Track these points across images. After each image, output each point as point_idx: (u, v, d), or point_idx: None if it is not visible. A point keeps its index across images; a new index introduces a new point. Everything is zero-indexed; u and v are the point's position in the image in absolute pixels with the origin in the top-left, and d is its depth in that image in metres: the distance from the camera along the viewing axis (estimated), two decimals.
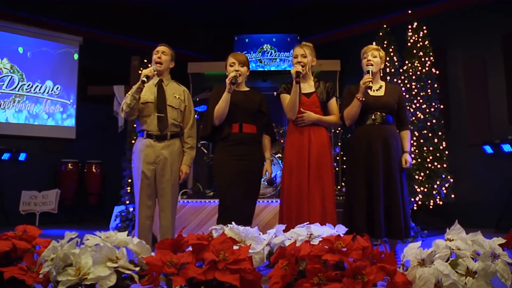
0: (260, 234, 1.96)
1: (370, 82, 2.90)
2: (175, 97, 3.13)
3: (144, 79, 2.90)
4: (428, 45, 5.68)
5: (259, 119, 3.12)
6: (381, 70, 3.17)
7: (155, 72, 3.04)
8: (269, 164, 3.10)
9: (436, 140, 5.37)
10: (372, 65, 3.02)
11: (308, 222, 2.10)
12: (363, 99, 2.95)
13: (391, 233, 2.92)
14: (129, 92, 2.99)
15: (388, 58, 5.69)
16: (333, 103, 3.13)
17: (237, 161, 2.97)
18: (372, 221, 2.90)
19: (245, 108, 3.04)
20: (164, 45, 3.19)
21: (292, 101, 2.99)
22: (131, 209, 5.20)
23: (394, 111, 3.07)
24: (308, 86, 3.13)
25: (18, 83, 6.80)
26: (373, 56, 3.05)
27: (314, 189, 2.95)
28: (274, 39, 7.19)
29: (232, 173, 2.95)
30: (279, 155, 5.27)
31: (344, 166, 6.95)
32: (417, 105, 5.45)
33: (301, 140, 3.03)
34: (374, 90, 3.04)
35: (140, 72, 5.62)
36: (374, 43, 5.76)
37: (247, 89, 3.18)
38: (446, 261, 1.61)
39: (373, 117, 3.02)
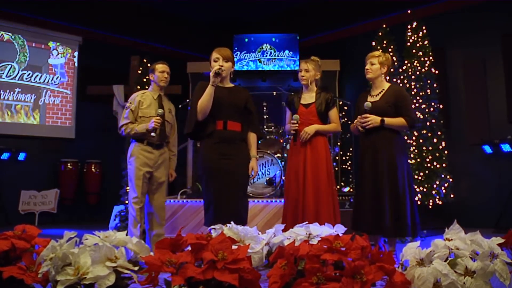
0: (259, 234, 1.96)
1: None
2: (169, 112, 3.70)
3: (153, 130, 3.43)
4: (427, 45, 5.67)
5: (245, 116, 3.07)
6: (382, 75, 3.21)
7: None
8: (255, 162, 3.05)
9: (435, 140, 5.37)
10: (369, 104, 3.09)
11: (307, 222, 2.11)
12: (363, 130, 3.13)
13: (380, 230, 3.04)
14: (138, 128, 3.51)
15: None
16: (333, 112, 3.34)
17: (222, 160, 2.92)
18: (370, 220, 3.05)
19: (229, 104, 2.98)
20: (166, 64, 3.69)
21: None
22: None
23: (388, 113, 3.08)
24: (309, 97, 3.35)
25: (18, 72, 6.78)
26: (371, 64, 3.17)
27: (308, 191, 3.14)
28: (273, 39, 7.18)
29: (217, 172, 2.90)
30: (279, 154, 5.26)
31: (344, 166, 6.97)
32: (417, 105, 5.44)
33: (298, 144, 3.30)
34: (373, 96, 3.19)
35: (139, 71, 5.67)
36: (373, 43, 5.78)
37: (232, 85, 3.14)
38: (445, 261, 1.61)
39: None
